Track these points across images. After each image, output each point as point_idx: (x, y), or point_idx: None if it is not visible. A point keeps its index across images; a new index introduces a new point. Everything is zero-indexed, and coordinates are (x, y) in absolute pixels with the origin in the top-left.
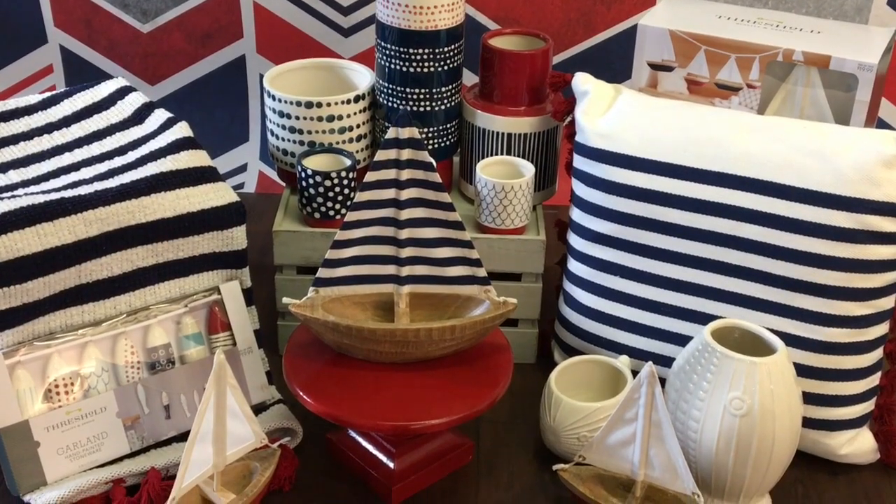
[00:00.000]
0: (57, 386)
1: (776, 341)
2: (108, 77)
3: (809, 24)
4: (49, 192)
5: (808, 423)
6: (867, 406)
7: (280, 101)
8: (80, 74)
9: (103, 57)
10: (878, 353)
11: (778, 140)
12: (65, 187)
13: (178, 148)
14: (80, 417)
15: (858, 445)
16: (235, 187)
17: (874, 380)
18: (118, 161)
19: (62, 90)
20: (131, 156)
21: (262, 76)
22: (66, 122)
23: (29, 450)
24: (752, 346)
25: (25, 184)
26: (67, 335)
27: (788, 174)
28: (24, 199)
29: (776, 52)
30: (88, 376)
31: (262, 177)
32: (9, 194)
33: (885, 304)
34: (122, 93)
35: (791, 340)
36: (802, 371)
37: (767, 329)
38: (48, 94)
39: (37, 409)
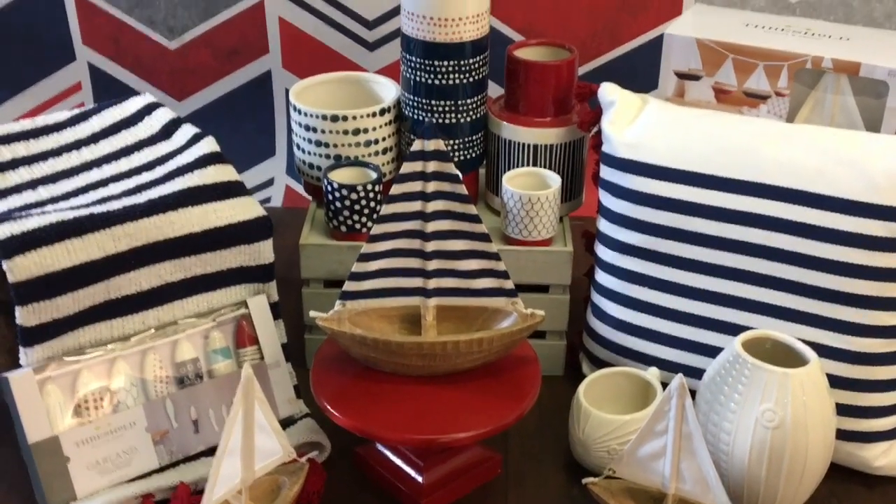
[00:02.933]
0: (86, 401)
1: (808, 352)
2: (135, 94)
3: (838, 31)
4: (78, 207)
5: (842, 434)
6: None
7: (306, 114)
8: (108, 91)
9: (131, 74)
10: None
11: (808, 148)
12: (93, 203)
13: (206, 163)
14: (110, 432)
15: (894, 457)
16: (262, 201)
17: None
18: (146, 176)
19: (91, 107)
20: (159, 171)
21: (287, 91)
22: (95, 138)
23: (59, 465)
24: (784, 356)
25: (54, 200)
26: (96, 350)
27: (820, 183)
28: (53, 216)
29: (805, 59)
30: (118, 391)
31: (289, 191)
32: (38, 210)
33: None
34: (149, 109)
35: (823, 351)
36: (835, 382)
37: (799, 339)
38: (77, 110)
39: (67, 424)
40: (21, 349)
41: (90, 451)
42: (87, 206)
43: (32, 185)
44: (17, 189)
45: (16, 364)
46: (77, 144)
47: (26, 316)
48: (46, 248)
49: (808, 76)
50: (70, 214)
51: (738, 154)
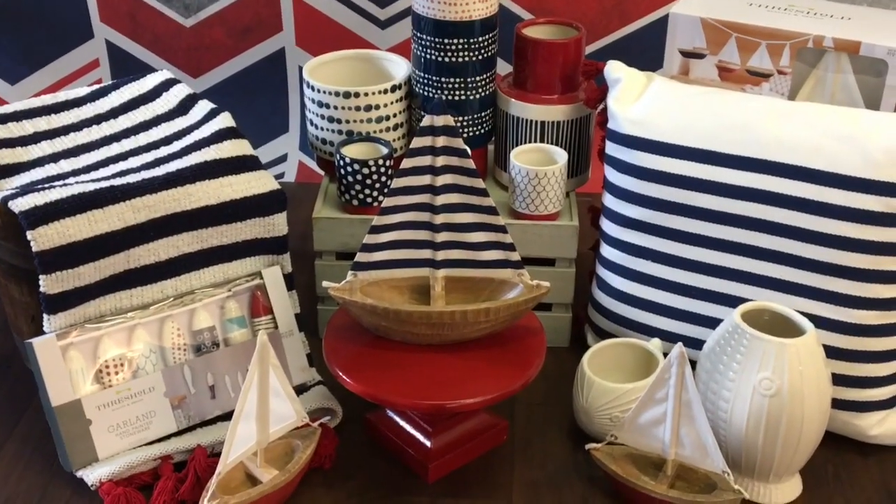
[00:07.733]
0: (107, 367)
1: (805, 323)
2: (152, 70)
3: (839, 11)
4: (99, 180)
5: (838, 404)
6: None
7: (319, 91)
8: (125, 68)
9: (147, 51)
10: None
11: (809, 125)
12: (113, 176)
13: (222, 137)
14: (130, 397)
15: (888, 426)
16: (276, 177)
17: None
18: (164, 150)
19: (110, 83)
20: (176, 145)
21: (301, 68)
22: (114, 113)
23: (81, 427)
24: (782, 328)
25: (76, 173)
26: (117, 318)
27: (819, 159)
28: (75, 188)
29: (806, 38)
30: (137, 357)
31: (302, 166)
32: (60, 182)
33: None
34: (167, 85)
35: (820, 322)
36: (832, 353)
37: (797, 311)
38: (96, 86)
39: (88, 388)
40: (44, 316)
41: (111, 414)
42: (108, 178)
43: (54, 158)
44: (39, 162)
45: (39, 331)
46: (97, 119)
47: (49, 284)
48: (69, 218)
49: (809, 55)
50: (91, 186)
51: (740, 131)
